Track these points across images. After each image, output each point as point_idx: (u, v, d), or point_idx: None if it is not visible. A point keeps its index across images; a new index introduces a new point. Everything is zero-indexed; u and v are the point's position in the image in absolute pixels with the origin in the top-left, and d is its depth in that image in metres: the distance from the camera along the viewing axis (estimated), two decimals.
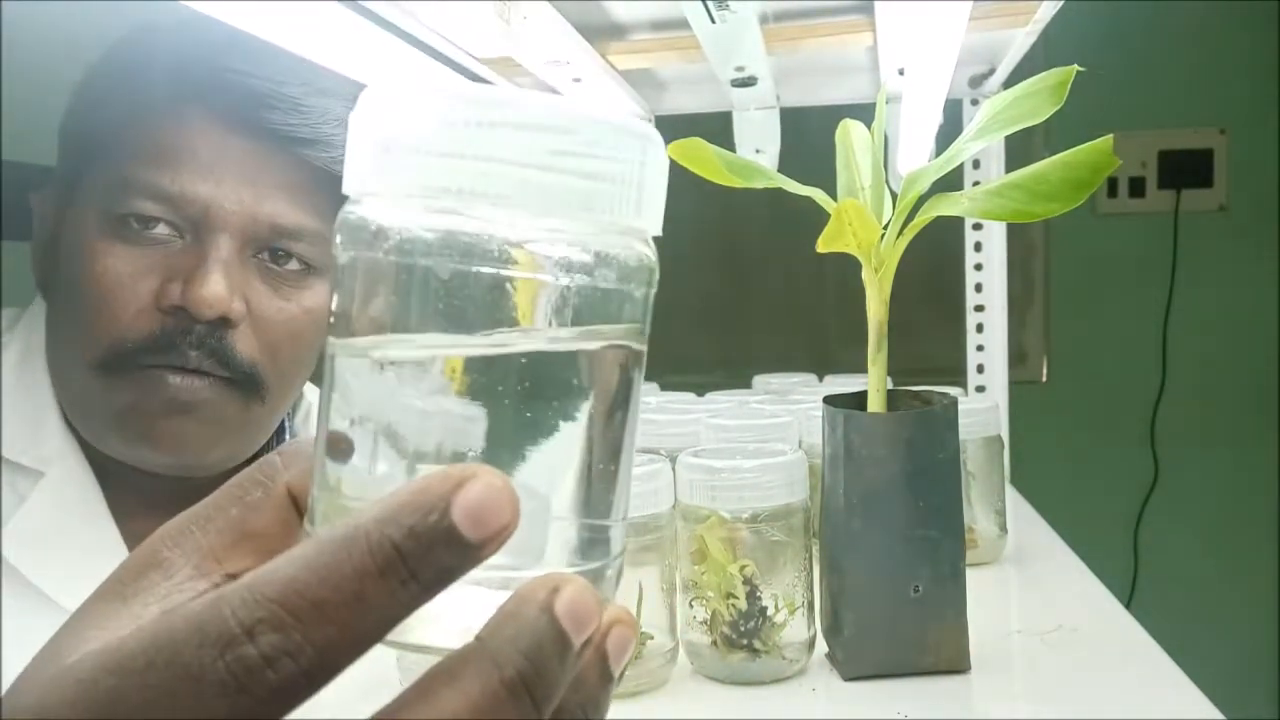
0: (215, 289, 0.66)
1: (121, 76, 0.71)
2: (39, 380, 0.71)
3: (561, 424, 0.24)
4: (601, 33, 1.00)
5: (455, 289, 0.23)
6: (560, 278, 0.24)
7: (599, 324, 0.24)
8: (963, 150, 0.56)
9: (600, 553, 0.25)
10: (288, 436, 0.81)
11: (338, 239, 0.25)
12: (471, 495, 0.21)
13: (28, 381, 0.71)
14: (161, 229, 0.67)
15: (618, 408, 0.25)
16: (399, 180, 0.23)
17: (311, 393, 0.87)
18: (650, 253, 0.26)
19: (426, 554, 0.21)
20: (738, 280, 2.19)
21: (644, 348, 0.26)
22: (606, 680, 0.24)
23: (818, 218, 0.56)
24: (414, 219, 0.23)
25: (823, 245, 0.56)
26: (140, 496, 0.72)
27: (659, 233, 0.27)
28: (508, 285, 0.23)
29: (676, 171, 0.60)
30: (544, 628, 0.22)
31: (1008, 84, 1.09)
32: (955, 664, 0.58)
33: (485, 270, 0.23)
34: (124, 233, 0.67)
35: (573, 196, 0.23)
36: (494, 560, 0.22)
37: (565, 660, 0.23)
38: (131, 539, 0.71)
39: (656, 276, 0.26)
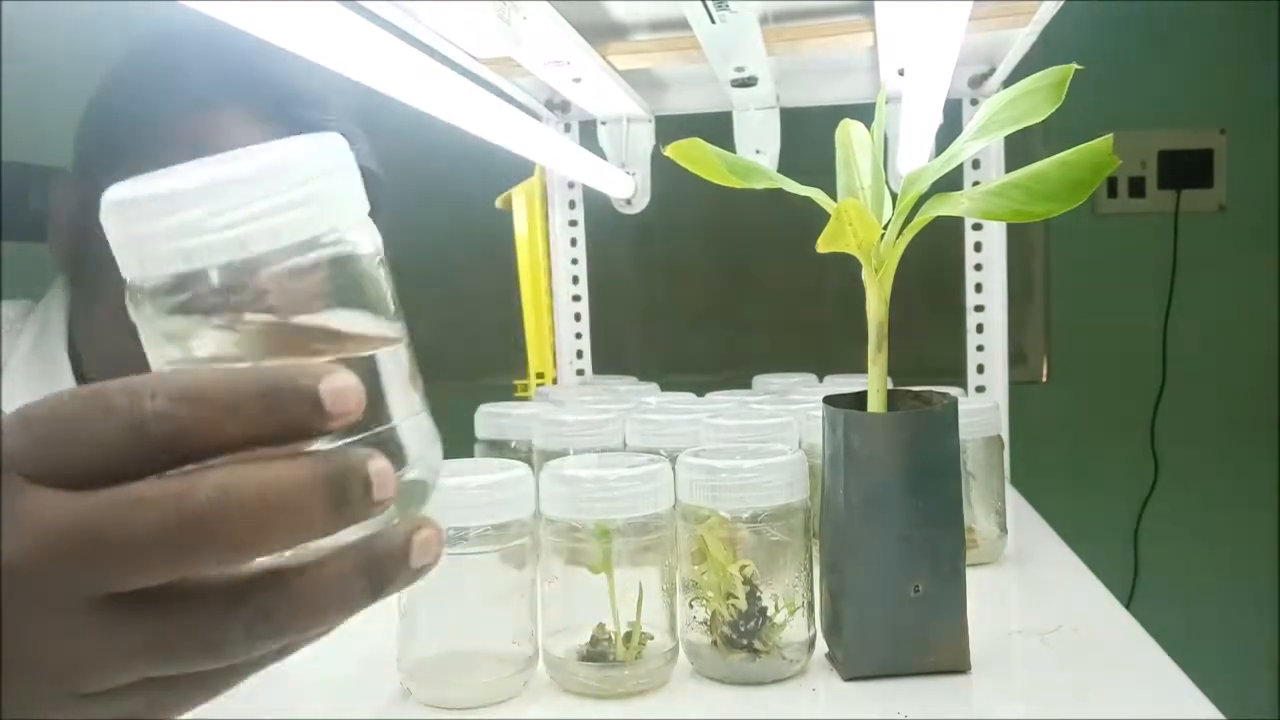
0: None
1: (154, 74, 0.78)
2: (55, 360, 0.78)
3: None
4: (601, 33, 1.00)
5: (228, 325, 0.30)
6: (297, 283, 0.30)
7: (344, 303, 0.31)
8: (963, 150, 0.56)
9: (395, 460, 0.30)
10: None
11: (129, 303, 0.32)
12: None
13: (43, 362, 0.78)
14: None
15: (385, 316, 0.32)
16: (128, 266, 0.31)
17: None
18: (363, 234, 0.32)
19: (294, 400, 0.28)
20: (738, 280, 2.19)
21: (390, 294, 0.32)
22: (403, 563, 0.29)
23: (818, 218, 0.56)
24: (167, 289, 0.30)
25: (823, 245, 0.56)
26: None
27: (366, 208, 0.32)
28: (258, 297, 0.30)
29: (677, 172, 0.60)
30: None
31: (1008, 84, 1.09)
32: (955, 664, 0.58)
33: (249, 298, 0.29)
34: None
35: (268, 234, 0.29)
36: None
37: (302, 408, 0.28)
38: None
39: (380, 241, 0.32)
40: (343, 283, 0.31)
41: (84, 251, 0.79)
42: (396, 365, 0.32)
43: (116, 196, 0.30)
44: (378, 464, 0.29)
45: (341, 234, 0.31)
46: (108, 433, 0.28)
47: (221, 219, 0.29)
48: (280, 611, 0.29)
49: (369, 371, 0.30)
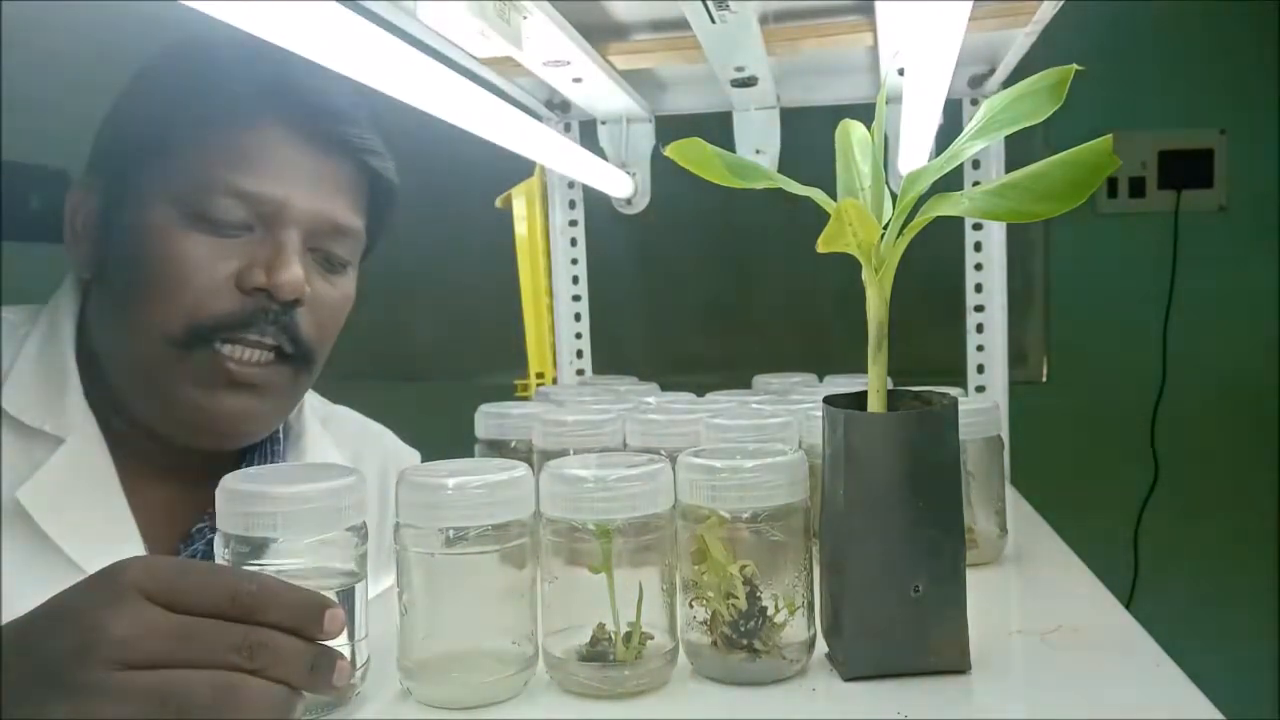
0: (296, 275, 0.76)
1: (188, 81, 0.80)
2: (63, 361, 0.80)
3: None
4: (601, 33, 1.00)
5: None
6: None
7: (341, 557, 0.57)
8: (963, 150, 0.56)
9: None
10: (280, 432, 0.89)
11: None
12: (336, 612, 0.51)
13: (50, 363, 0.80)
14: (237, 222, 0.76)
15: None
16: (230, 523, 0.55)
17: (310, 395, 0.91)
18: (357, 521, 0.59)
19: (314, 616, 0.50)
20: (738, 280, 2.19)
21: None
22: (322, 667, 0.50)
23: (818, 218, 0.56)
24: None
25: (823, 245, 0.56)
26: (149, 467, 0.81)
27: (364, 504, 0.58)
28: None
29: (677, 172, 0.60)
30: (319, 601, 0.51)
31: (1008, 84, 1.09)
32: (955, 664, 0.58)
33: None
34: (201, 225, 0.76)
35: (314, 526, 0.55)
36: None
37: (315, 622, 0.50)
38: (137, 504, 0.79)
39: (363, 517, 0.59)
40: (341, 546, 0.56)
41: (108, 253, 0.79)
42: (360, 596, 0.57)
43: (234, 487, 0.54)
44: (343, 663, 0.51)
45: (344, 526, 0.56)
46: (212, 588, 0.49)
47: (292, 513, 0.54)
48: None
49: (349, 597, 0.56)
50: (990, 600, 0.69)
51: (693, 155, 0.58)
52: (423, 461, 0.87)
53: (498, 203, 1.39)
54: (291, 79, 0.78)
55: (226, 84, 0.79)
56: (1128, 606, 0.69)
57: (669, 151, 0.59)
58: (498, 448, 0.84)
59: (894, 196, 0.59)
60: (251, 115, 0.78)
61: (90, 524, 0.76)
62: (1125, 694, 0.56)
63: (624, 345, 2.11)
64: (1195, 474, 2.04)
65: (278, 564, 0.54)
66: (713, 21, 0.79)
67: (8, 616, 0.51)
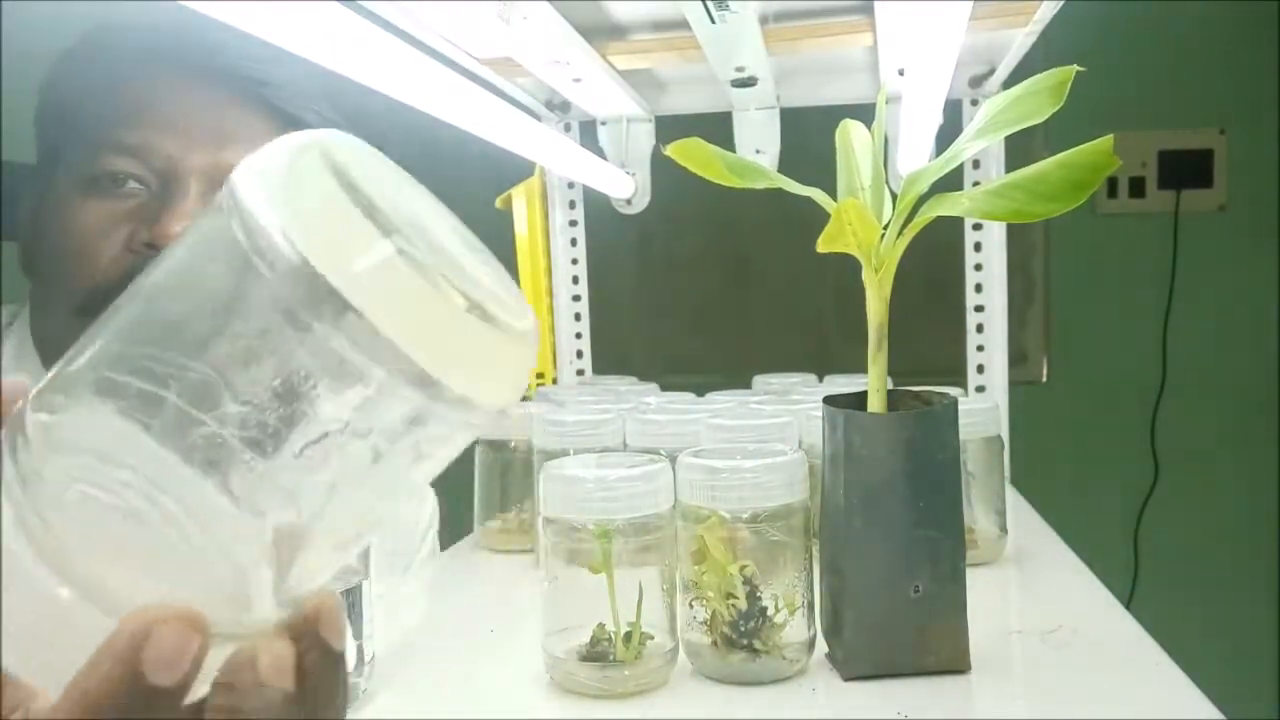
0: (182, 224, 0.70)
1: (91, 57, 0.77)
2: (33, 366, 0.78)
3: None
4: (601, 33, 1.00)
5: None
6: None
7: None
8: (963, 150, 0.56)
9: None
10: None
11: None
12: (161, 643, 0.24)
13: (23, 357, 0.78)
14: (132, 184, 0.73)
15: None
16: None
17: None
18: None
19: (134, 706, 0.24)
20: (738, 280, 2.19)
21: None
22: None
23: (818, 218, 0.56)
24: None
25: (823, 245, 0.56)
26: None
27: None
28: None
29: (677, 172, 0.60)
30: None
31: (1008, 84, 1.09)
32: (955, 664, 0.58)
33: None
34: (97, 191, 0.73)
35: None
36: None
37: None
38: None
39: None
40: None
41: (38, 248, 0.78)
42: (365, 593, 0.55)
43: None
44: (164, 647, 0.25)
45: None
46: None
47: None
48: None
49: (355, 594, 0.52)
50: (990, 600, 0.69)
51: (693, 155, 0.58)
52: None
53: (498, 203, 1.38)
54: (188, 29, 0.74)
55: (119, 47, 0.76)
56: (1128, 606, 0.69)
57: (669, 151, 0.59)
58: (498, 448, 0.84)
59: (894, 196, 0.59)
60: (140, 68, 0.75)
61: None
62: (1125, 694, 0.56)
63: (624, 345, 2.10)
64: (1195, 474, 2.04)
65: None
66: (713, 21, 0.79)
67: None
